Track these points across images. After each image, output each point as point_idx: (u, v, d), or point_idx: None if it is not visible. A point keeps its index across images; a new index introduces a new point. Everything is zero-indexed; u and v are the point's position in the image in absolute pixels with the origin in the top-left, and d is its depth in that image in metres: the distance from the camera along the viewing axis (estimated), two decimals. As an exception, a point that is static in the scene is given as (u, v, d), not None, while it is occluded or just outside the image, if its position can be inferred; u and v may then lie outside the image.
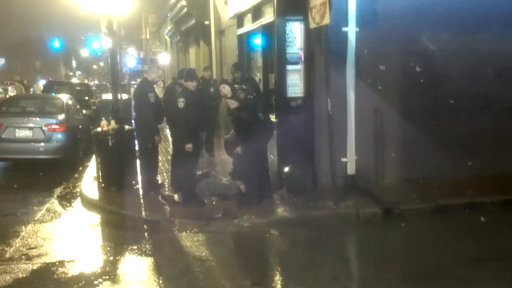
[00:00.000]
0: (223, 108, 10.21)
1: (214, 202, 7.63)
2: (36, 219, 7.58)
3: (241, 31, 11.66)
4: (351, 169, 8.15)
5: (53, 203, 8.53)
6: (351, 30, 7.99)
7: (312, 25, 7.88)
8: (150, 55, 39.06)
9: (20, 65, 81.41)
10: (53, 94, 15.42)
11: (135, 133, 8.84)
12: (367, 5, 8.06)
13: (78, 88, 20.94)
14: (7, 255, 6.08)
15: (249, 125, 7.46)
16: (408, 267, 5.56)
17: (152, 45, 39.43)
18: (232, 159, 8.26)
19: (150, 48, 40.05)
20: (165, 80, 21.87)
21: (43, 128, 10.87)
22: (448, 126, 8.54)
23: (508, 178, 8.12)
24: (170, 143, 9.83)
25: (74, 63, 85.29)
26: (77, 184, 9.68)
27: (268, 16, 9.38)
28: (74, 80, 43.20)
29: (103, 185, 8.65)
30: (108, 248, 6.40)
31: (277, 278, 5.56)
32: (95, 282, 5.30)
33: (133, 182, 8.77)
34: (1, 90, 36.30)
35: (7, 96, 29.42)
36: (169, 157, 10.21)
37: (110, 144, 8.52)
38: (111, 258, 6.04)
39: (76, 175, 10.47)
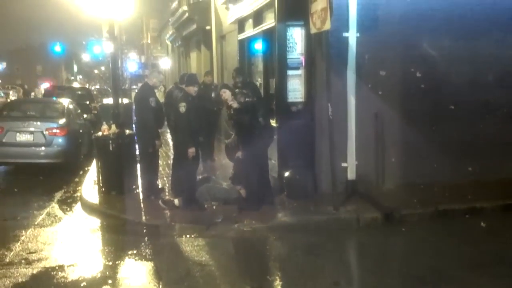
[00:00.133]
0: (224, 113, 10.22)
1: (214, 207, 7.64)
2: (36, 223, 7.58)
3: (242, 36, 11.69)
4: (351, 174, 8.14)
5: (54, 207, 8.53)
6: (352, 36, 7.99)
7: (313, 31, 7.90)
8: (151, 60, 39.11)
9: (21, 69, 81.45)
10: (54, 99, 15.45)
11: (135, 138, 8.84)
12: (368, 11, 8.08)
13: (79, 92, 20.94)
14: (7, 260, 6.07)
15: (250, 129, 7.47)
16: (408, 272, 5.55)
17: (153, 50, 39.51)
18: (232, 163, 8.27)
19: (151, 53, 40.10)
20: (166, 85, 21.93)
21: (44, 132, 10.87)
22: (449, 131, 8.55)
23: (508, 183, 8.11)
24: (171, 148, 9.84)
25: (75, 68, 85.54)
26: (77, 189, 9.68)
27: (269, 21, 9.41)
28: (75, 85, 43.21)
29: (103, 189, 8.65)
30: (108, 253, 6.40)
31: (277, 283, 5.55)
32: (95, 287, 5.30)
33: (134, 187, 8.77)
34: (2, 94, 36.37)
35: (8, 100, 29.46)
36: (169, 162, 10.22)
37: (111, 148, 8.52)
38: (111, 263, 6.03)
39: (77, 179, 10.47)
